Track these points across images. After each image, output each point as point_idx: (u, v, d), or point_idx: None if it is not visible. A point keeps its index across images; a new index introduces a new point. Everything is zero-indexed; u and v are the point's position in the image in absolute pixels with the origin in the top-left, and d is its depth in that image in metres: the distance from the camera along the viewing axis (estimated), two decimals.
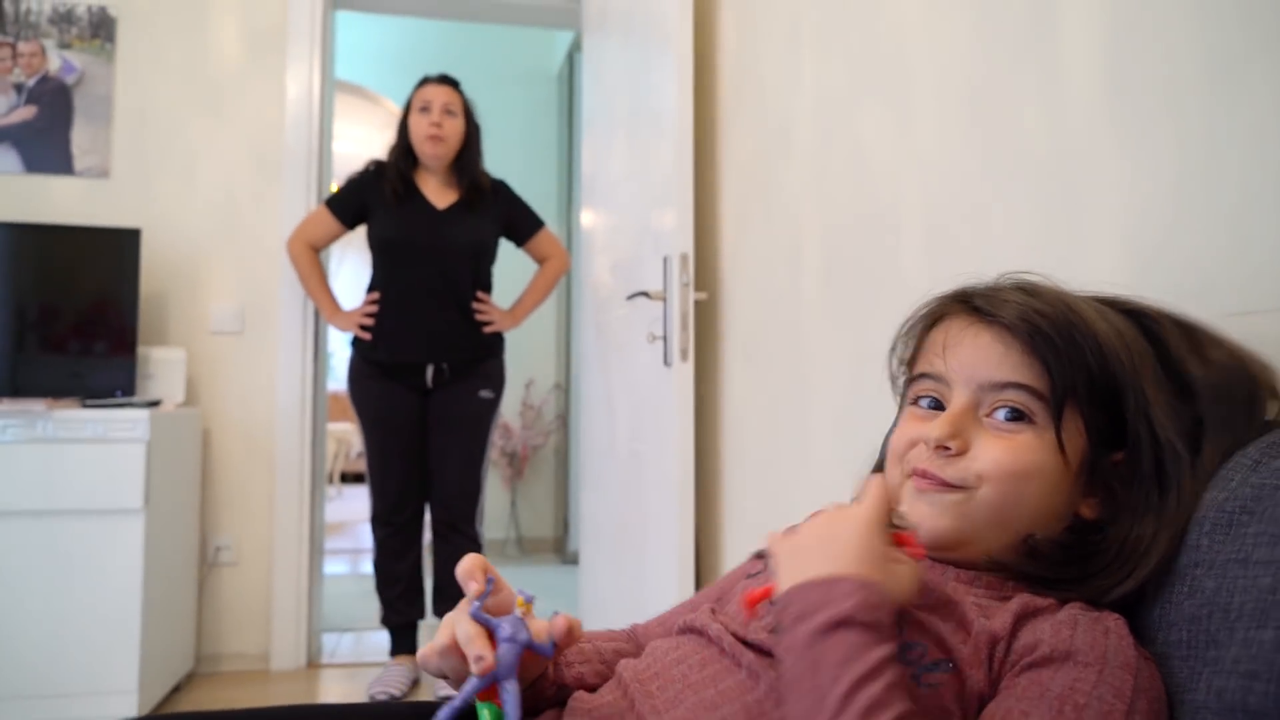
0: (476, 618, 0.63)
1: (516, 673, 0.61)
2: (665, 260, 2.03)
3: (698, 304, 2.11)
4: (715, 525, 2.08)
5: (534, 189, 4.40)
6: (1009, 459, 0.64)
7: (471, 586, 0.65)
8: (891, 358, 0.77)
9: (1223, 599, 0.54)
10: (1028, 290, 0.68)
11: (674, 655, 0.68)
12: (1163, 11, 0.88)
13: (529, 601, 0.65)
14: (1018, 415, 0.65)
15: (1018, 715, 0.52)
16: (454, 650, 0.64)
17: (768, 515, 1.83)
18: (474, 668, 0.60)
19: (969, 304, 0.70)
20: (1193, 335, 0.69)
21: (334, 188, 2.79)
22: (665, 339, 2.02)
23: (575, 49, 4.29)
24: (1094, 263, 0.95)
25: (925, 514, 0.66)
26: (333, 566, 4.20)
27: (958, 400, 0.67)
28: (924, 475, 0.66)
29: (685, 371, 1.98)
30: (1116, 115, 0.93)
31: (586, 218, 3.15)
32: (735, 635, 0.65)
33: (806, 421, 1.66)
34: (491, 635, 0.62)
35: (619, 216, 2.63)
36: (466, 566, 0.66)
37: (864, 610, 0.54)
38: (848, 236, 1.54)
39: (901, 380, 0.77)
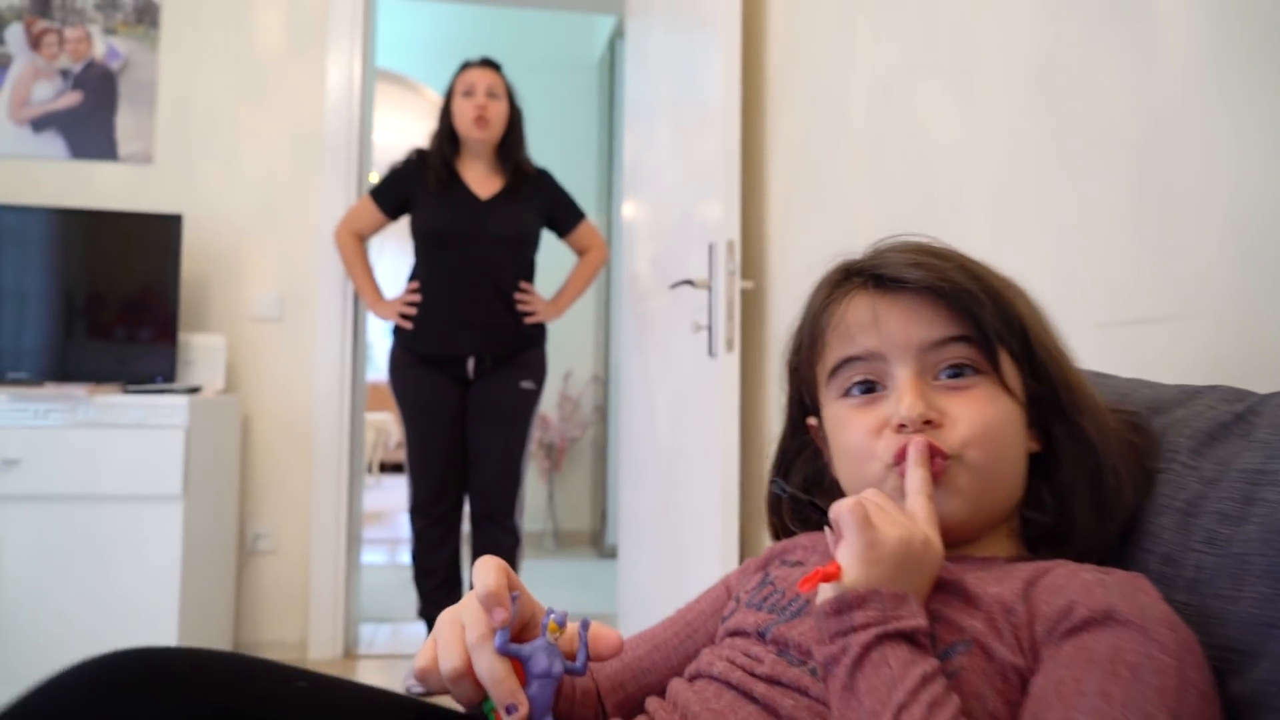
0: (504, 651, 0.56)
1: (551, 707, 0.56)
2: (711, 247, 1.98)
3: (743, 293, 2.05)
4: (759, 520, 2.02)
5: (574, 178, 4.36)
6: (979, 414, 0.64)
7: (498, 615, 0.57)
8: (788, 368, 0.76)
9: None
10: (922, 249, 0.69)
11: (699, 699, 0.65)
12: None
13: (560, 625, 0.58)
14: (959, 370, 0.65)
15: (1071, 684, 0.50)
16: (470, 678, 0.58)
17: None
18: (505, 717, 0.56)
19: (868, 278, 0.68)
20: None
21: (374, 177, 2.78)
22: (710, 329, 1.97)
23: (617, 35, 4.24)
24: (1191, 249, 0.88)
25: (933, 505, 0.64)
26: (371, 556, 4.20)
27: (904, 372, 0.66)
28: (932, 454, 0.63)
29: (730, 362, 1.92)
30: (1216, 85, 0.86)
31: (628, 208, 3.10)
32: (744, 670, 0.63)
33: None
34: (520, 668, 0.56)
35: (661, 205, 2.58)
36: (489, 589, 0.58)
37: (923, 633, 0.54)
38: (903, 223, 1.47)
39: (804, 381, 0.75)
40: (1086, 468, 0.65)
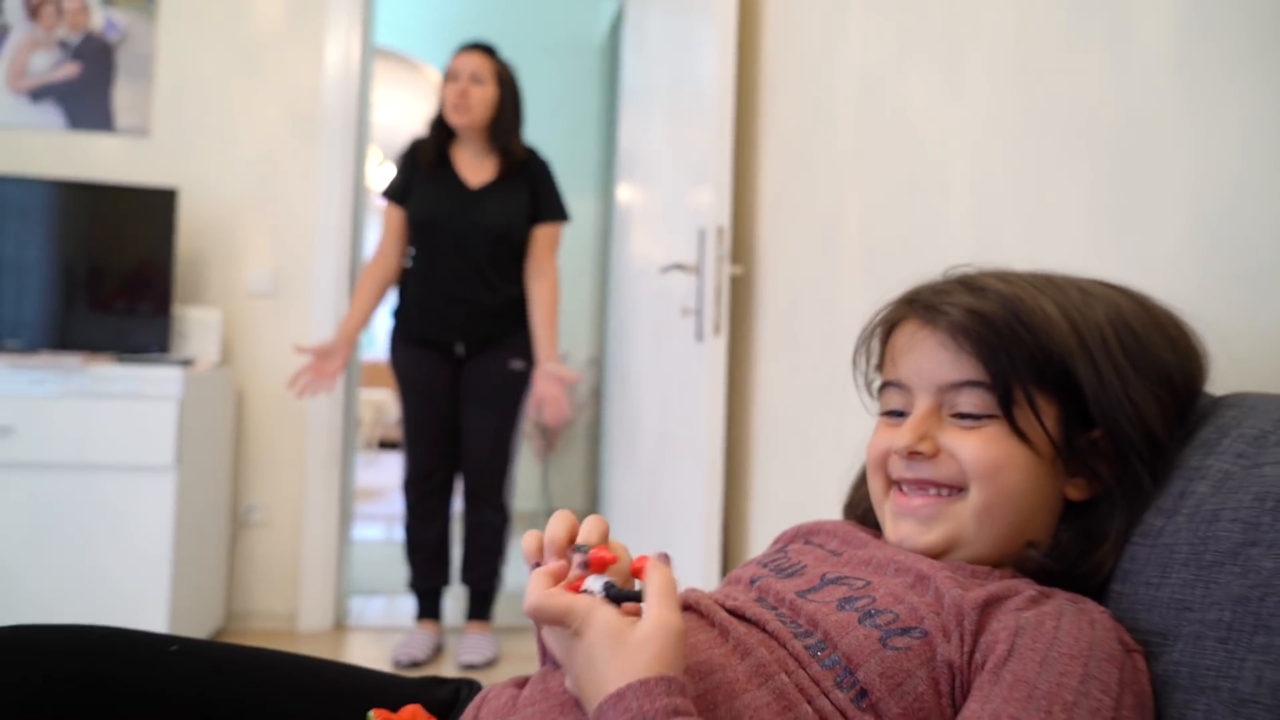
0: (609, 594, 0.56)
1: None
2: (701, 233, 1.99)
3: (733, 279, 2.06)
4: (743, 503, 2.05)
5: (574, 161, 4.36)
6: (980, 452, 0.66)
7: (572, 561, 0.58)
8: (854, 369, 0.79)
9: None
10: (970, 286, 0.69)
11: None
12: None
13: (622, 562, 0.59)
14: (976, 414, 0.67)
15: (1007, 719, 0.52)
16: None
17: (797, 495, 1.79)
18: None
19: (917, 307, 0.71)
20: (1159, 317, 0.69)
21: (372, 153, 2.77)
22: (698, 313, 1.98)
23: (619, 19, 4.23)
24: (1156, 237, 0.89)
25: (909, 533, 0.69)
26: (366, 531, 4.23)
27: (920, 405, 0.70)
28: (914, 485, 0.69)
29: (717, 346, 1.94)
30: (1187, 80, 0.87)
31: (624, 191, 3.11)
32: (718, 602, 0.66)
33: (842, 401, 1.61)
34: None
35: (657, 190, 2.59)
36: (547, 537, 0.59)
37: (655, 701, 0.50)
38: (889, 209, 1.49)
39: (876, 386, 0.78)
40: (1132, 519, 0.64)
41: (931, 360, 0.69)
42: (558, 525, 0.59)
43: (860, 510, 0.81)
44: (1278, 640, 0.48)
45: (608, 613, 0.53)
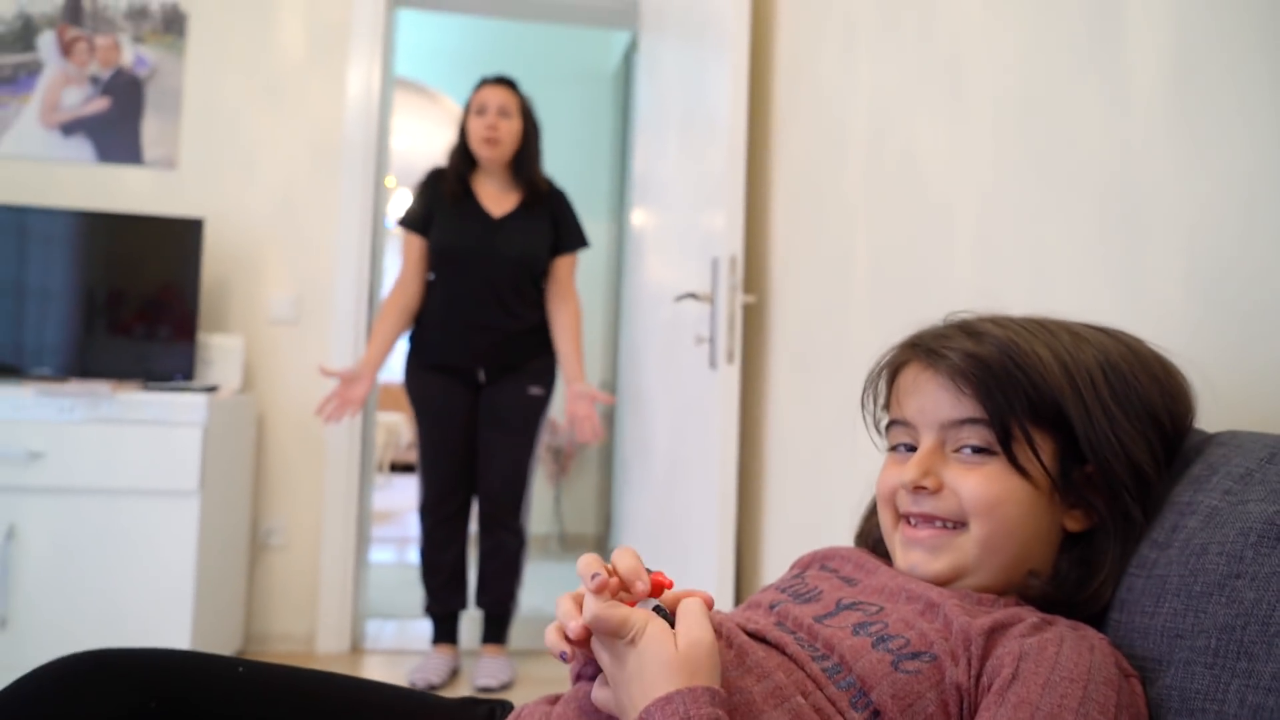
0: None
1: None
2: (714, 262, 2.03)
3: (746, 307, 2.10)
4: (757, 530, 2.08)
5: (588, 188, 4.42)
6: (982, 489, 0.70)
7: (638, 586, 0.63)
8: (863, 409, 0.83)
9: (1262, 611, 0.54)
10: (968, 330, 0.74)
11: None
12: (1232, 15, 0.85)
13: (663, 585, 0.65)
14: (980, 449, 0.71)
15: None
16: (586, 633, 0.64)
17: (812, 519, 1.82)
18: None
19: (919, 351, 0.76)
20: (1146, 360, 0.74)
21: (390, 183, 2.83)
22: (711, 341, 2.02)
23: (632, 49, 4.30)
24: (1155, 276, 0.93)
25: (918, 560, 0.73)
26: (380, 555, 4.27)
27: (925, 442, 0.74)
28: (920, 518, 0.73)
29: (730, 375, 1.98)
30: (1182, 123, 0.91)
31: (637, 218, 3.16)
32: (739, 625, 0.70)
33: (853, 430, 1.64)
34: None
35: (669, 217, 2.63)
36: (630, 565, 0.64)
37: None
38: (898, 243, 1.52)
39: (884, 424, 0.82)
40: (1125, 549, 0.68)
41: (934, 400, 0.73)
42: (630, 557, 0.65)
43: (871, 540, 0.85)
44: (1259, 665, 0.51)
45: (662, 625, 0.59)
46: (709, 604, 0.64)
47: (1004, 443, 0.69)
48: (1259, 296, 0.80)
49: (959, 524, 0.71)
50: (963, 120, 1.33)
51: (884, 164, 1.58)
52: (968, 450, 0.71)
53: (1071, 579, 0.69)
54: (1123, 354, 0.72)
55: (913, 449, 0.75)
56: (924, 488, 0.72)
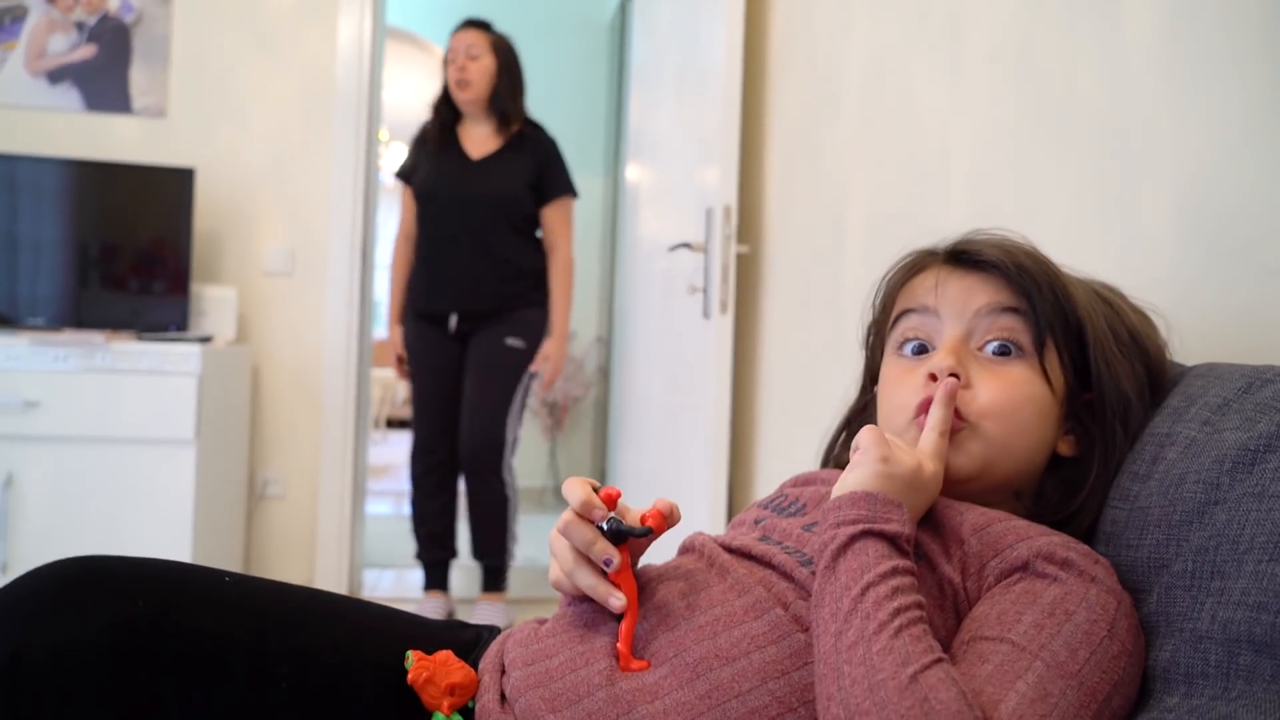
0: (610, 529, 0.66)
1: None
2: (708, 212, 2.03)
3: (739, 258, 2.10)
4: (749, 478, 2.10)
5: (583, 140, 4.38)
6: (1005, 393, 0.69)
7: (598, 514, 0.66)
8: (866, 328, 0.82)
9: (1233, 531, 0.55)
10: (1003, 243, 0.73)
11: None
12: None
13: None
14: (1005, 350, 0.70)
15: (1011, 614, 0.57)
16: (583, 560, 0.67)
17: (802, 468, 1.84)
18: (604, 569, 0.66)
19: (944, 256, 0.74)
20: (1140, 312, 0.75)
21: (383, 135, 2.81)
22: (705, 291, 2.02)
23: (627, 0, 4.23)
24: (1146, 220, 0.94)
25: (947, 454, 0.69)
26: (377, 507, 4.30)
27: (951, 332, 0.71)
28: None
29: (724, 324, 1.98)
30: (1175, 71, 0.91)
31: (632, 170, 3.14)
32: (721, 544, 0.71)
33: (846, 378, 1.65)
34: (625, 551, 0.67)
35: (665, 169, 2.62)
36: (583, 500, 0.66)
37: (905, 540, 0.61)
38: (892, 192, 1.52)
39: (871, 336, 0.81)
40: (1106, 476, 0.69)
41: (965, 289, 0.72)
42: (579, 487, 0.67)
43: (841, 461, 0.85)
44: (1229, 583, 0.53)
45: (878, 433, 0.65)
46: (669, 516, 0.66)
47: (1039, 340, 0.69)
48: (1247, 235, 0.81)
49: (969, 424, 0.69)
50: (959, 66, 1.32)
51: (880, 112, 1.58)
52: (992, 349, 0.70)
53: (1054, 500, 0.70)
54: (1103, 288, 0.74)
55: (922, 350, 0.73)
56: (955, 376, 0.69)
